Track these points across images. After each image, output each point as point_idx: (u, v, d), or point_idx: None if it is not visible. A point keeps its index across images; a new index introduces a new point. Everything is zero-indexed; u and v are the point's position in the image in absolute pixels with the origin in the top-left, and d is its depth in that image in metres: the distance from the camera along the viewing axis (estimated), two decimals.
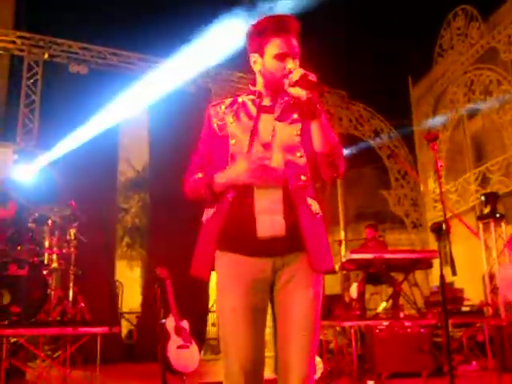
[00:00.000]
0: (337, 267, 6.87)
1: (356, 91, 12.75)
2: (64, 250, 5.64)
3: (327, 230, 2.08)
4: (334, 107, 11.97)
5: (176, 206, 8.85)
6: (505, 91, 10.10)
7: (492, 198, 8.63)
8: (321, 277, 1.96)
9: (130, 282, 12.14)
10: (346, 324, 6.09)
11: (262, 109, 2.02)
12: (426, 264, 6.69)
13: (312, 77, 1.82)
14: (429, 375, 5.56)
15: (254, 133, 1.96)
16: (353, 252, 6.44)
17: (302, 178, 1.95)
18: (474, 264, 9.28)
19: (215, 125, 2.04)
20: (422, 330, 5.97)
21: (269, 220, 1.87)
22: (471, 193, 11.11)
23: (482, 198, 9.05)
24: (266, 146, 1.95)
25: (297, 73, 1.83)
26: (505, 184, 10.19)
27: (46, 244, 5.64)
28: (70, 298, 5.65)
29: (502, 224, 8.54)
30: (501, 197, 9.10)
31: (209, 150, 2.06)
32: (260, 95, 2.04)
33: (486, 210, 8.65)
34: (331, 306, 7.32)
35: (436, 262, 6.64)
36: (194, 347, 5.47)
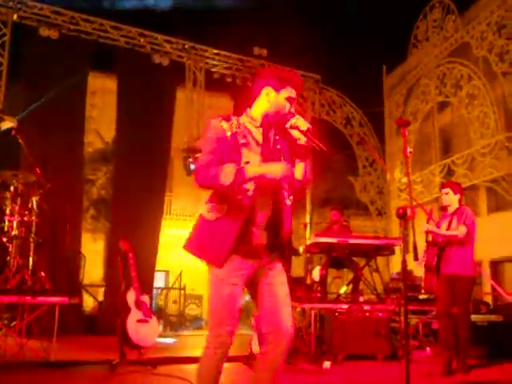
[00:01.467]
0: (301, 249, 6.91)
1: (330, 77, 12.78)
2: (25, 218, 5.50)
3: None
4: (307, 91, 11.96)
5: (141, 180, 8.79)
6: (474, 86, 10.28)
7: None
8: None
9: (92, 255, 11.98)
10: (307, 306, 6.16)
11: (265, 139, 2.52)
12: (388, 250, 6.80)
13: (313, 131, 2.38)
14: (384, 358, 5.70)
15: (262, 158, 2.45)
16: (317, 235, 6.48)
17: (290, 198, 2.55)
18: None
19: (229, 136, 2.44)
20: (380, 315, 6.10)
21: (258, 232, 2.42)
22: (436, 184, 11.32)
23: (444, 190, 9.21)
24: None
25: (303, 124, 2.41)
26: (468, 178, 10.42)
27: (8, 211, 5.50)
28: (30, 266, 5.53)
29: None
30: (464, 190, 9.27)
31: (224, 153, 2.42)
32: (261, 125, 2.52)
33: None
34: (293, 288, 7.39)
35: (398, 250, 6.76)
36: (153, 322, 5.45)
